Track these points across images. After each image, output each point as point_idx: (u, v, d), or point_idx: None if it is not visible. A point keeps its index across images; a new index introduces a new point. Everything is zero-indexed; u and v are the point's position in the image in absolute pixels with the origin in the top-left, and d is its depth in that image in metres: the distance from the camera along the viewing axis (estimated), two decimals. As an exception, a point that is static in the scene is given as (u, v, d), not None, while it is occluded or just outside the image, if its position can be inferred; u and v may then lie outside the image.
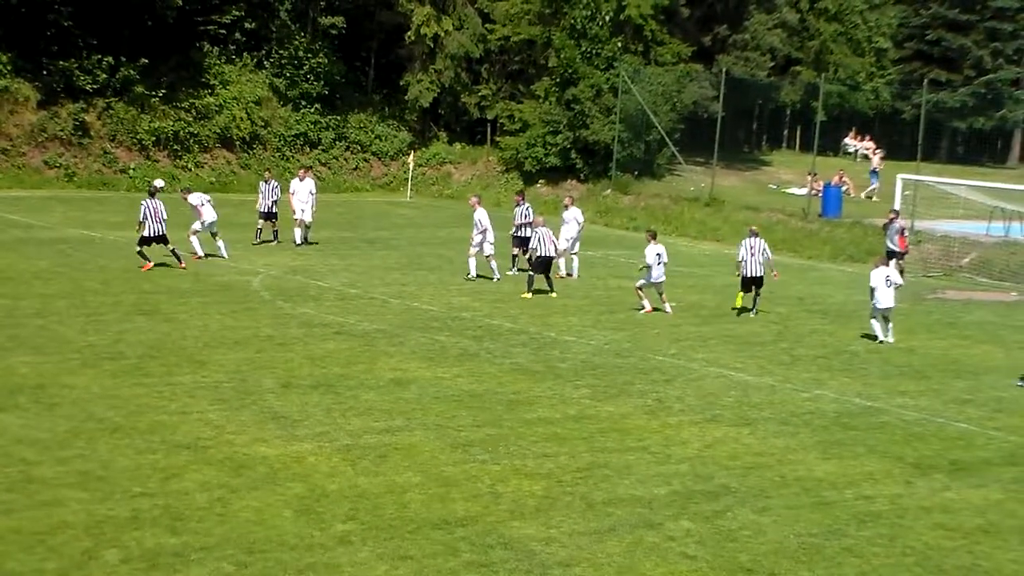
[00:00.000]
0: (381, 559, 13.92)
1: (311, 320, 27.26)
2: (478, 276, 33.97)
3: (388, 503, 15.83)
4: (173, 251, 32.34)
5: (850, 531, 16.02)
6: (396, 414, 20.13)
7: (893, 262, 35.09)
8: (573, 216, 36.32)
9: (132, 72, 52.68)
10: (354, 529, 14.83)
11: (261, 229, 38.66)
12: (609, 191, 55.56)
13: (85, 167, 51.77)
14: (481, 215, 34.35)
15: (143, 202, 32.15)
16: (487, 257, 34.30)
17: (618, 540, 15.11)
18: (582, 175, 57.68)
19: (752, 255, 31.38)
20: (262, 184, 39.17)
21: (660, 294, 31.05)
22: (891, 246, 38.67)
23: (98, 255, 34.03)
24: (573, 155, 57.24)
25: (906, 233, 40.52)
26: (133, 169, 52.61)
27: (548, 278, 32.65)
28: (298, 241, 38.52)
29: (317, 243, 38.89)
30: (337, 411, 20.01)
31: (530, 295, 31.97)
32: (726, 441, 19.89)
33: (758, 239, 31.98)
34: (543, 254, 32.29)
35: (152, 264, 31.95)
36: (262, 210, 38.59)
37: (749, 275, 31.41)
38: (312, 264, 35.13)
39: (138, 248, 32.00)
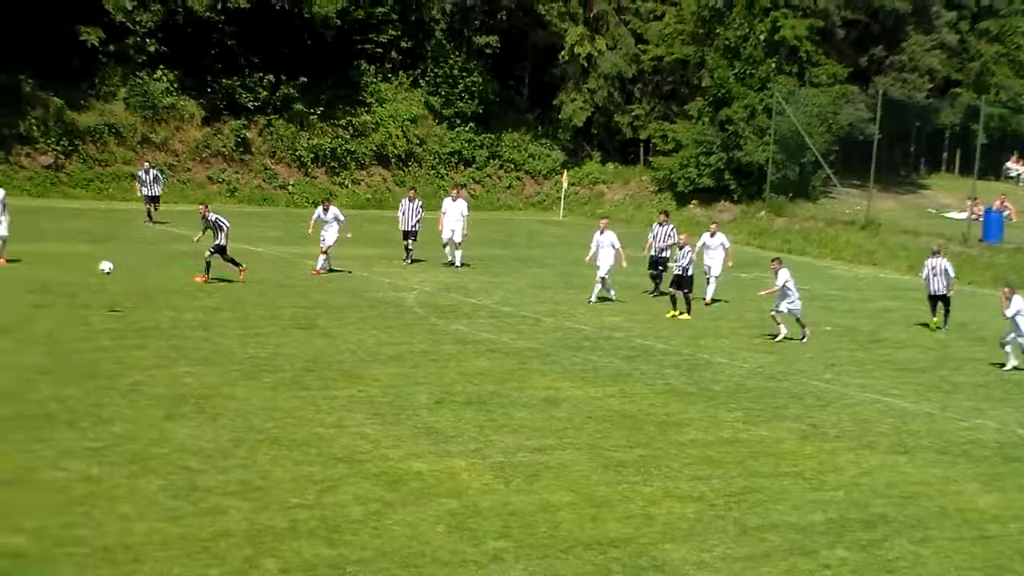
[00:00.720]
0: (534, 577, 13.98)
1: (464, 337, 27.49)
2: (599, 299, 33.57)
3: (540, 522, 15.87)
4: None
5: (1015, 567, 15.62)
6: (548, 433, 20.19)
7: None
8: (720, 242, 35.24)
9: (292, 90, 53.85)
10: (507, 547, 14.90)
11: (411, 248, 38.17)
12: (763, 213, 55.09)
13: (246, 183, 52.99)
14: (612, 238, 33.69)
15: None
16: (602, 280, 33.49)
17: (772, 567, 14.96)
18: (735, 196, 57.27)
19: (935, 275, 32.39)
20: (405, 202, 38.55)
21: (797, 320, 30.41)
22: None
23: (258, 269, 34.72)
24: (727, 176, 56.86)
25: None
26: (292, 185, 53.70)
27: (687, 298, 32.20)
28: (454, 261, 38.20)
29: (468, 264, 38.70)
30: (490, 428, 20.14)
31: (679, 314, 31.91)
32: (883, 469, 19.56)
33: (940, 258, 32.80)
34: (685, 273, 31.92)
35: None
36: (405, 228, 38.06)
37: (933, 293, 32.46)
38: (465, 282, 35.43)
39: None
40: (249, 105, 53.50)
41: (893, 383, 25.98)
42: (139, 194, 43.82)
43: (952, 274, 32.69)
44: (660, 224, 35.93)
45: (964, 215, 54.51)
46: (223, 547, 14.01)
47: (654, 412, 22.06)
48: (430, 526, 15.38)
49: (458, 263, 38.01)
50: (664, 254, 35.31)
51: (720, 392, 24.08)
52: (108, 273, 21.04)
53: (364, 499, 16.18)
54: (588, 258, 34.13)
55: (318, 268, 34.87)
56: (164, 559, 13.48)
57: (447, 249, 38.44)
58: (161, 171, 45.44)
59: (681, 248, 32.45)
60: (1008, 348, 28.32)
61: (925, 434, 21.93)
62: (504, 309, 31.36)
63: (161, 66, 52.23)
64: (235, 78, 53.17)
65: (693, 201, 57.98)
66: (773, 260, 31.38)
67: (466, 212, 38.64)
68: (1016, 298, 27.81)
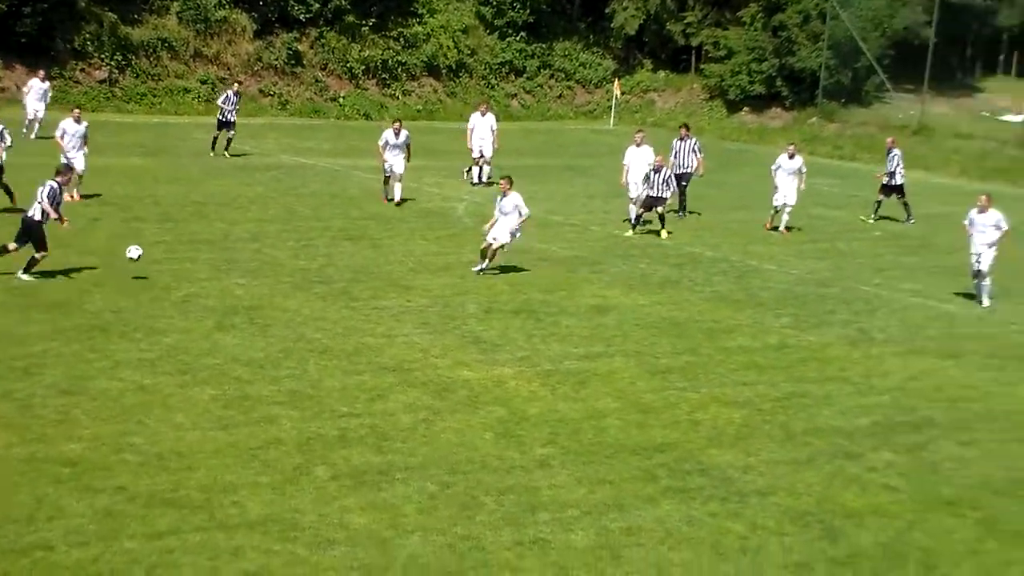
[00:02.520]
0: (580, 483, 14.16)
1: (514, 246, 27.54)
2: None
3: (587, 428, 16.05)
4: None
5: (1060, 466, 15.68)
6: (596, 340, 20.33)
7: None
8: (798, 166, 32.22)
9: (343, 2, 53.66)
10: (553, 453, 15.09)
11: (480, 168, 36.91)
12: (815, 119, 54.57)
13: (298, 95, 53.04)
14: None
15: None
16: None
17: (817, 470, 15.08)
18: (787, 103, 56.75)
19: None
20: (476, 116, 37.09)
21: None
22: None
23: (309, 181, 34.94)
24: (779, 83, 56.31)
25: None
26: (343, 97, 53.72)
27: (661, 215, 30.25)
28: (475, 180, 36.37)
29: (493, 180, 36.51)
30: (537, 337, 20.29)
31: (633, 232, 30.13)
32: (930, 373, 19.60)
33: None
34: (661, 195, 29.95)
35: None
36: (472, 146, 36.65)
37: None
38: (516, 190, 35.34)
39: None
40: (301, 17, 53.38)
41: (943, 288, 25.91)
42: (221, 118, 38.81)
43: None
44: (681, 139, 33.52)
45: (1021, 117, 53.76)
46: (274, 455, 14.29)
47: (701, 319, 22.14)
48: (477, 433, 15.60)
49: (484, 179, 36.31)
50: (688, 170, 33.24)
51: (768, 299, 24.11)
52: (136, 259, 21.42)
53: (413, 407, 16.41)
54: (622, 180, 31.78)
55: (396, 197, 32.07)
56: (216, 467, 13.77)
57: (474, 170, 36.68)
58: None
59: (657, 171, 29.87)
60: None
61: (974, 338, 21.91)
62: (553, 218, 31.39)
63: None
64: (286, -10, 53.09)
65: (744, 108, 57.54)
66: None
67: (495, 127, 37.11)
68: (993, 210, 24.90)
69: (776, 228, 31.99)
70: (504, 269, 25.11)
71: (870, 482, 14.82)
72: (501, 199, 25.13)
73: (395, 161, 31.89)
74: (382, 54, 54.83)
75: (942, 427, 16.98)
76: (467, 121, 37.73)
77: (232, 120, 38.50)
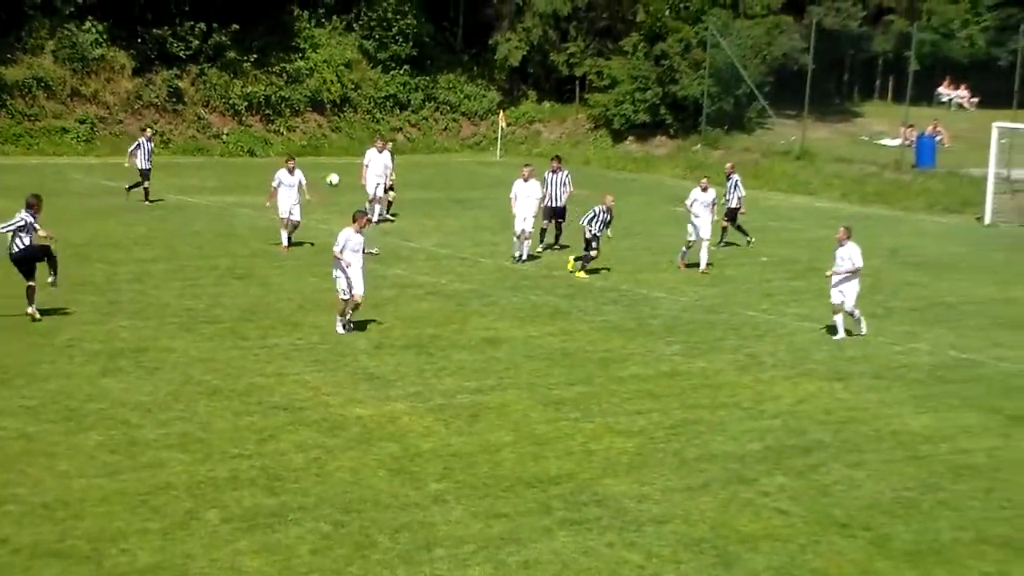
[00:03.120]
0: (475, 517, 14.08)
1: (403, 281, 27.49)
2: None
3: (481, 462, 15.99)
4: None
5: (946, 485, 15.93)
6: (488, 373, 20.29)
7: None
8: (712, 198, 31.30)
9: (224, 38, 53.19)
10: (448, 488, 15.01)
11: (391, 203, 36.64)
12: (699, 146, 55.19)
13: (180, 133, 52.44)
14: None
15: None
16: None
17: (711, 496, 15.16)
18: (671, 131, 57.32)
19: None
20: (372, 152, 36.28)
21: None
22: None
23: (194, 220, 34.52)
24: (662, 111, 56.86)
25: None
26: (227, 134, 53.22)
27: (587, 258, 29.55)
28: (375, 218, 34.64)
29: (396, 216, 37.03)
30: (430, 371, 20.21)
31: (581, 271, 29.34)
32: (819, 396, 19.83)
33: None
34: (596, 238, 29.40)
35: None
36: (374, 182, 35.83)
37: None
38: (403, 225, 35.35)
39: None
40: (181, 55, 52.79)
41: (829, 311, 26.18)
42: (135, 165, 37.40)
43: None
44: (553, 172, 32.66)
45: (897, 141, 54.89)
46: (163, 500, 14.02)
47: (593, 349, 22.21)
48: (371, 471, 15.47)
49: (378, 217, 35.42)
50: (562, 203, 32.48)
51: (659, 327, 24.27)
52: (335, 185, 21.94)
53: (305, 446, 16.23)
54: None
55: (285, 244, 30.71)
56: (103, 514, 13.48)
57: (376, 205, 35.63)
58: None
59: (595, 215, 29.17)
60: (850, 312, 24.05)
61: (860, 360, 22.23)
62: (442, 252, 31.36)
63: (89, 17, 51.38)
64: (165, 28, 52.38)
65: (629, 137, 58.00)
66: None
67: (391, 164, 36.42)
68: (851, 243, 23.93)
69: (696, 265, 30.41)
70: (395, 304, 24.98)
71: (763, 506, 14.93)
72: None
73: (293, 207, 30.62)
74: (265, 90, 54.41)
75: (832, 449, 17.18)
76: (359, 156, 37.54)
77: (148, 168, 37.41)
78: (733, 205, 34.21)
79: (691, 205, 30.96)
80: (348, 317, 22.66)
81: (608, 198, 29.84)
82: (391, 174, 36.63)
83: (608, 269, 29.81)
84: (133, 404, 17.50)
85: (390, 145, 39.31)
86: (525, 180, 31.08)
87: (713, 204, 31.10)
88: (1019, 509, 15.22)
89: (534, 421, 17.87)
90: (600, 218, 29.18)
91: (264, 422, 17.14)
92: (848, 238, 23.88)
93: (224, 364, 19.92)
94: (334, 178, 23.05)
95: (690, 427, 17.90)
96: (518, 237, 30.63)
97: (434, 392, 19.06)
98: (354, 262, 22.43)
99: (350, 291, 22.38)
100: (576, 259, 29.44)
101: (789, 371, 21.27)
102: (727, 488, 15.48)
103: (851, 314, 23.86)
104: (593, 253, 29.27)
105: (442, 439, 16.86)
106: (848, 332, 23.80)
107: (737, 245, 34.07)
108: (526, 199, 30.76)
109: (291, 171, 30.90)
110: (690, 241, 30.91)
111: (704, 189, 31.05)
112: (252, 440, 16.34)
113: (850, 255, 23.66)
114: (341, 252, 22.24)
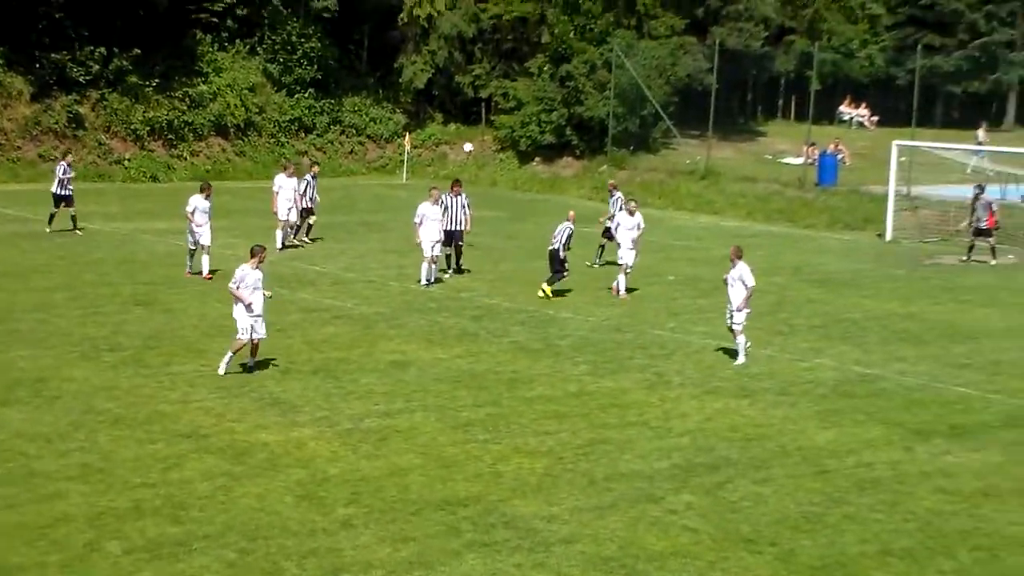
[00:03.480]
0: (383, 542, 13.98)
1: (309, 305, 27.30)
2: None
3: (390, 486, 15.88)
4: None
5: (851, 498, 16.09)
6: (396, 396, 20.18)
7: (980, 240, 35.34)
8: (637, 222, 30.90)
9: (125, 63, 52.57)
10: (356, 513, 14.89)
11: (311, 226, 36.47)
12: (605, 167, 55.47)
13: (80, 159, 51.48)
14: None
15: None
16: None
17: (620, 515, 15.18)
18: (577, 152, 57.59)
19: None
20: (281, 176, 35.40)
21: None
22: (980, 224, 37.58)
23: (96, 247, 34.02)
24: (568, 132, 57.13)
25: (994, 207, 38.43)
26: (128, 160, 52.55)
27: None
28: (279, 244, 34.24)
29: (315, 241, 36.69)
30: (337, 395, 20.07)
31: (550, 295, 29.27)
32: (726, 413, 19.95)
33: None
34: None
35: None
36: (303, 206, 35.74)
37: None
38: (309, 250, 35.13)
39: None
40: (80, 79, 52.05)
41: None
42: (60, 192, 36.51)
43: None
44: (455, 195, 32.18)
45: (800, 160, 55.61)
46: (63, 532, 13.76)
47: (501, 370, 22.18)
48: (278, 497, 15.30)
49: (305, 239, 35.85)
50: (461, 227, 32.12)
51: (566, 347, 24.29)
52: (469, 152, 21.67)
53: (210, 474, 16.03)
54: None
55: (205, 271, 29.87)
56: (1, 549, 13.17)
57: (278, 234, 34.62)
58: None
59: (569, 233, 29.39)
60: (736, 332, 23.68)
61: (766, 377, 22.41)
62: (349, 275, 31.20)
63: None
64: (64, 52, 51.64)
65: (536, 158, 58.19)
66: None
67: (299, 189, 35.69)
68: (741, 263, 23.61)
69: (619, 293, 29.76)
70: (301, 329, 24.79)
71: (671, 524, 14.97)
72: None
73: (203, 232, 29.90)
74: (167, 114, 53.79)
75: (739, 466, 17.28)
76: (264, 180, 37.11)
77: (70, 194, 36.35)
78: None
79: (616, 229, 30.88)
80: (250, 362, 21.33)
81: (571, 213, 30.39)
82: (315, 197, 36.29)
83: (515, 291, 29.80)
84: (32, 435, 17.17)
85: (316, 169, 38.54)
86: (433, 203, 30.77)
87: (639, 227, 30.59)
88: (922, 522, 15.40)
89: (442, 443, 17.79)
90: (570, 235, 29.37)
91: (168, 450, 16.89)
92: (739, 258, 23.52)
93: (127, 392, 19.63)
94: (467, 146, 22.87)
95: (598, 447, 17.92)
96: (429, 261, 30.33)
97: (341, 416, 18.92)
98: (255, 301, 21.35)
99: (250, 332, 21.27)
100: (550, 281, 29.18)
101: (696, 389, 21.38)
102: (635, 507, 15.50)
103: (732, 331, 23.47)
104: (567, 274, 29.27)
105: (350, 464, 16.73)
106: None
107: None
108: (433, 222, 30.47)
109: (207, 196, 30.37)
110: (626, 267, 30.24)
111: (632, 213, 30.78)
112: (156, 469, 16.09)
113: (741, 275, 23.30)
114: (238, 289, 21.30)
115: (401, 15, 59.95)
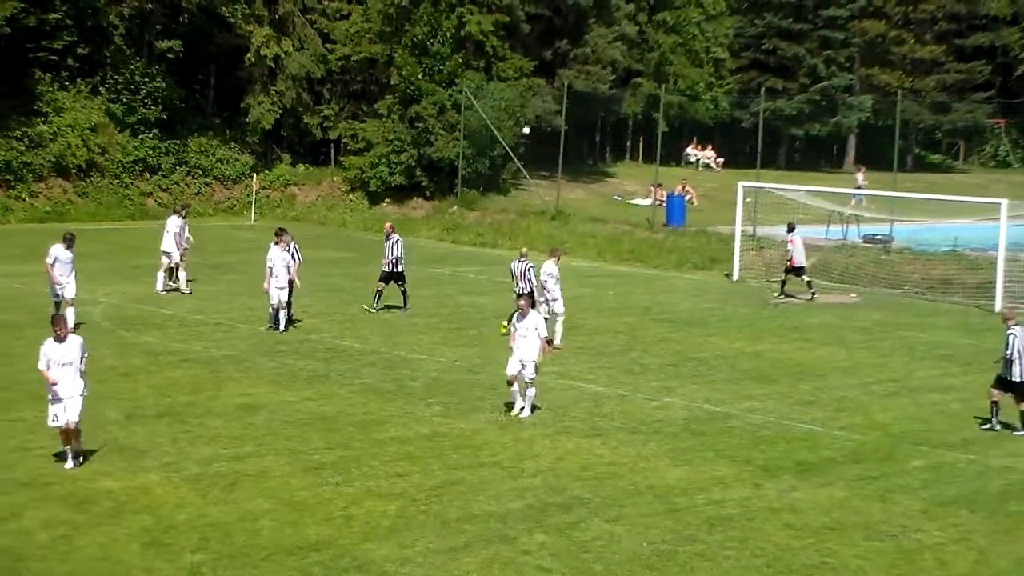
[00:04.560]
0: (232, 589, 13.69)
1: (155, 348, 26.76)
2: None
3: (239, 531, 15.59)
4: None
5: (701, 536, 16.20)
6: (246, 440, 19.85)
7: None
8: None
9: (-40, 101, 51.25)
10: (204, 560, 14.57)
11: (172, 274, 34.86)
12: (455, 208, 55.59)
13: (-87, 200, 50.17)
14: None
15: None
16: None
17: (473, 556, 15.09)
18: (428, 193, 57.61)
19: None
20: (174, 219, 34.75)
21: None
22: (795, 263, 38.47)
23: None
24: (418, 173, 57.13)
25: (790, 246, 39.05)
26: (-37, 201, 51.13)
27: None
28: (160, 288, 34.01)
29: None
30: (184, 440, 19.66)
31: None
32: (578, 452, 19.99)
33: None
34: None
35: None
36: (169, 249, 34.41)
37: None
38: (155, 292, 34.42)
39: None
40: (-87, 119, 50.69)
41: (587, 368, 26.60)
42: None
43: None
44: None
45: (648, 201, 56.35)
46: None
47: (352, 412, 21.97)
48: (123, 545, 14.93)
49: (170, 286, 34.53)
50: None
51: (418, 388, 24.17)
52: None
53: (51, 523, 15.57)
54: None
55: (70, 324, 24.48)
56: None
57: (160, 275, 34.31)
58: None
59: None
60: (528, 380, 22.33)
61: (618, 415, 22.53)
62: (196, 318, 30.66)
63: None
64: None
65: (386, 199, 58.06)
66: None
67: (174, 230, 34.54)
68: (533, 312, 22.89)
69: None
70: (147, 373, 24.28)
71: (525, 564, 14.93)
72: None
73: (68, 283, 27.94)
74: (5, 155, 52.42)
75: (591, 505, 17.30)
76: (106, 222, 36.26)
77: None
78: (399, 269, 32.63)
79: (545, 280, 29.49)
80: (73, 449, 18.11)
81: (524, 248, 30.42)
82: (182, 241, 34.86)
83: (366, 332, 29.60)
84: None
85: (185, 212, 36.61)
86: (279, 245, 29.78)
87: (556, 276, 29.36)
88: (771, 557, 15.58)
89: (294, 487, 17.53)
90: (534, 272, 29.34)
91: (6, 500, 16.36)
92: (529, 307, 22.61)
93: (-37, 440, 18.98)
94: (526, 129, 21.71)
95: (451, 488, 17.81)
96: (273, 306, 29.55)
97: (189, 461, 18.53)
98: (63, 379, 18.01)
99: (59, 418, 18.04)
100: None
101: (548, 429, 21.40)
102: (489, 548, 15.42)
103: (528, 382, 22.21)
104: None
105: (198, 509, 16.38)
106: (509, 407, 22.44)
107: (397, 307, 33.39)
108: (283, 267, 29.55)
109: (69, 246, 28.36)
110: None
111: (557, 260, 29.70)
112: (-7, 519, 15.58)
113: (535, 324, 22.37)
114: (48, 369, 18.09)
115: (248, 55, 59.46)
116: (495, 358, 27.24)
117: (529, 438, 20.76)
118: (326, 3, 63.45)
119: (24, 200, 52.72)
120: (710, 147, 73.33)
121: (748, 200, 45.24)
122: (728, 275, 42.68)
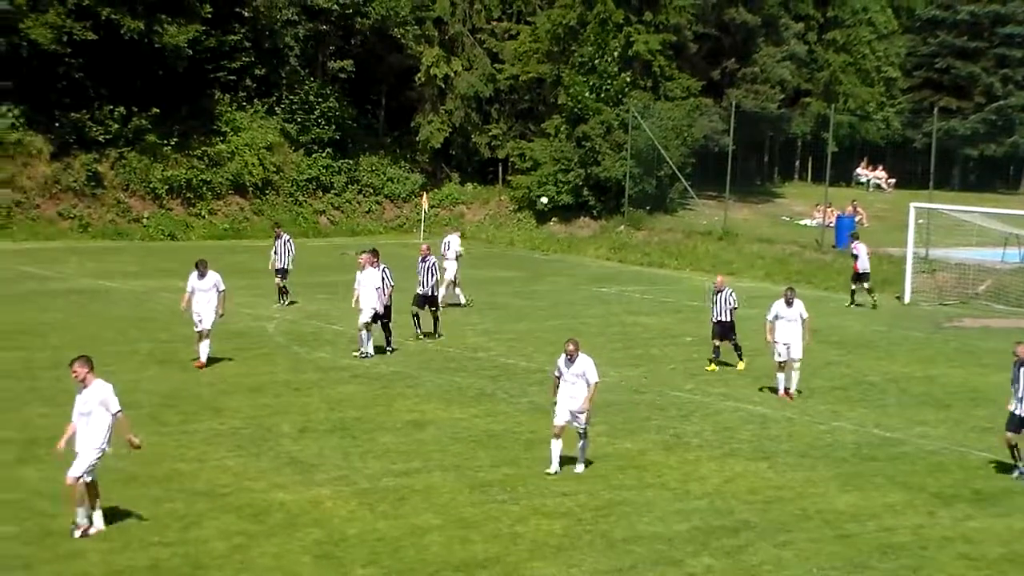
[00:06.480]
0: (402, 603, 13.87)
1: (327, 364, 27.27)
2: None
3: (408, 546, 15.78)
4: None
5: (872, 563, 15.92)
6: (414, 456, 20.09)
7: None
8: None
9: (144, 122, 52.91)
10: (374, 573, 14.79)
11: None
12: (622, 227, 55.57)
13: (99, 217, 51.95)
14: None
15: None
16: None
17: (639, 578, 15.05)
18: (595, 212, 57.67)
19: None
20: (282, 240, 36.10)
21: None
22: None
23: (113, 305, 34.09)
24: (585, 192, 57.25)
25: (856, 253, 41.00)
26: (147, 218, 52.79)
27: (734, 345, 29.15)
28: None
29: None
30: (355, 454, 19.98)
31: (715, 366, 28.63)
32: (745, 475, 19.80)
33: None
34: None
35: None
36: (279, 267, 35.78)
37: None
38: (327, 309, 35.09)
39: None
40: (100, 138, 52.39)
41: (754, 391, 26.35)
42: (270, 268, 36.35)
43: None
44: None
45: (817, 221, 55.60)
46: (80, 591, 13.68)
47: (519, 431, 22.08)
48: (295, 557, 15.20)
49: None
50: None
51: (584, 407, 24.14)
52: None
53: (227, 533, 15.94)
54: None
55: (202, 359, 26.61)
56: (18, 607, 13.12)
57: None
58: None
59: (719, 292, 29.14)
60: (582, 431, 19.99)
61: (785, 439, 22.26)
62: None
63: (7, 102, 50.99)
64: (84, 111, 52.03)
65: (553, 218, 58.28)
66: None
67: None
68: (583, 357, 19.71)
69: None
70: (319, 388, 24.75)
71: (692, 588, 14.84)
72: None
73: (205, 312, 26.73)
74: (186, 173, 54.10)
75: (758, 529, 17.13)
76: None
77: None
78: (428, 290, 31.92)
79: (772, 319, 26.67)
80: (86, 509, 15.72)
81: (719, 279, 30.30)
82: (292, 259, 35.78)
83: (532, 351, 29.74)
84: (49, 493, 17.07)
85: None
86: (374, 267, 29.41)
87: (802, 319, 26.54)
88: (946, 586, 15.24)
89: (461, 504, 17.69)
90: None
91: (186, 509, 16.82)
92: (577, 351, 19.61)
93: (144, 451, 19.44)
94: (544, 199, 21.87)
95: (617, 508, 17.80)
96: (360, 328, 28.70)
97: (359, 476, 18.83)
98: (80, 429, 16.18)
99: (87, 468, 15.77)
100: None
101: (715, 451, 21.25)
102: (654, 569, 15.37)
103: (581, 433, 19.93)
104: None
105: (367, 524, 16.63)
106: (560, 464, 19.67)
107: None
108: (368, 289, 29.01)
109: (202, 275, 26.99)
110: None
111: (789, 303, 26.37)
112: (173, 528, 16.02)
113: (584, 370, 19.61)
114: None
115: (418, 75, 60.40)
116: (661, 378, 27.19)
117: (695, 460, 20.64)
118: (495, 24, 64.03)
119: (204, 217, 54.29)
120: (881, 167, 72.02)
121: (920, 221, 44.35)
122: (899, 298, 41.88)
